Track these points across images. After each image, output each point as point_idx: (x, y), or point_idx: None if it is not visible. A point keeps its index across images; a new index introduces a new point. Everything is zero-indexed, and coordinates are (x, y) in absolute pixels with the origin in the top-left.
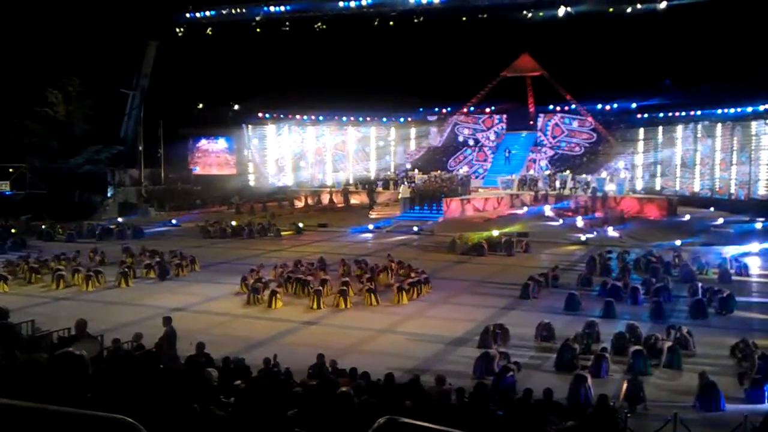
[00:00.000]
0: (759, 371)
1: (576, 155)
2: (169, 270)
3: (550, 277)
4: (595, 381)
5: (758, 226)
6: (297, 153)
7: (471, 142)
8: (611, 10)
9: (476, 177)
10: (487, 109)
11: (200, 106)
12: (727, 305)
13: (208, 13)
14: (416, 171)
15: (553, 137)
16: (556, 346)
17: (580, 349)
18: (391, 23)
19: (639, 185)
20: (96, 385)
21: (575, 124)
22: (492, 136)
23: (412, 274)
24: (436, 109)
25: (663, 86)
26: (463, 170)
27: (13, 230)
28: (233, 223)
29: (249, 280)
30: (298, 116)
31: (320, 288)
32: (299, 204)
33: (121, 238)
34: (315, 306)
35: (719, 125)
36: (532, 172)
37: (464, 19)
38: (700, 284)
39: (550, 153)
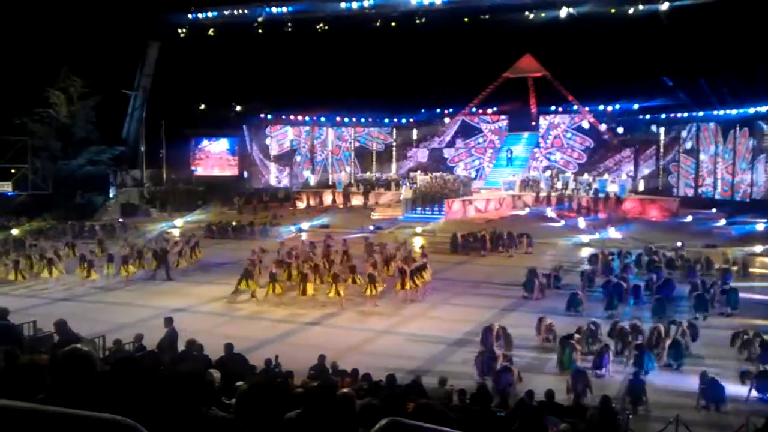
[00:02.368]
0: (761, 360)
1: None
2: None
3: (552, 277)
4: (595, 382)
5: (760, 227)
6: (299, 153)
7: (457, 143)
8: (613, 10)
9: (473, 170)
10: (489, 110)
11: (202, 106)
12: (730, 298)
13: (209, 14)
14: (418, 172)
15: (552, 146)
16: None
17: (583, 350)
18: (393, 24)
19: (641, 186)
20: (99, 386)
21: (577, 141)
22: (495, 131)
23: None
24: (438, 110)
25: (664, 84)
26: (461, 167)
27: (14, 231)
28: (234, 223)
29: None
30: (299, 117)
31: (307, 272)
32: (301, 205)
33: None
34: (300, 293)
35: (722, 126)
36: (533, 173)
37: (466, 20)
38: (700, 279)
39: (544, 162)
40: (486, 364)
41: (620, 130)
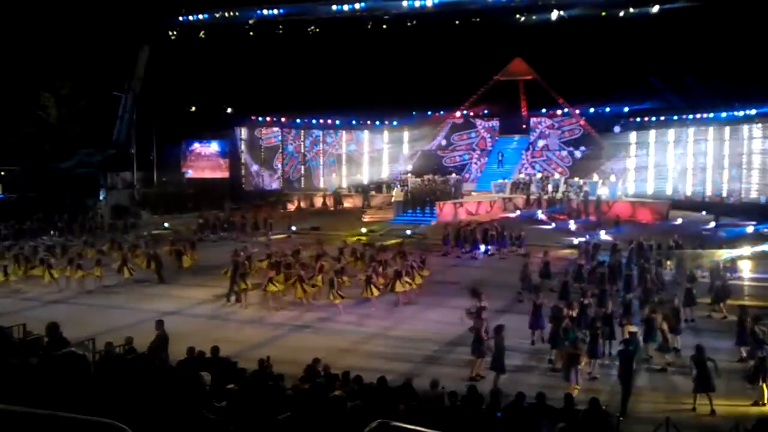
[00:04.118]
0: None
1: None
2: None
3: (543, 264)
4: (586, 385)
5: (749, 229)
6: (289, 156)
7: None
8: (604, 13)
9: (462, 167)
10: (480, 113)
11: (193, 109)
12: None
13: (201, 17)
14: (409, 174)
15: (542, 153)
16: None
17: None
18: (385, 27)
19: (631, 189)
20: (91, 389)
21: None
22: (489, 129)
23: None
24: (429, 113)
25: (651, 84)
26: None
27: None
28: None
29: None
30: (290, 119)
31: (302, 273)
32: (292, 207)
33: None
34: (299, 295)
35: (711, 129)
36: (523, 175)
37: (457, 22)
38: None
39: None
40: (477, 347)
41: (617, 128)
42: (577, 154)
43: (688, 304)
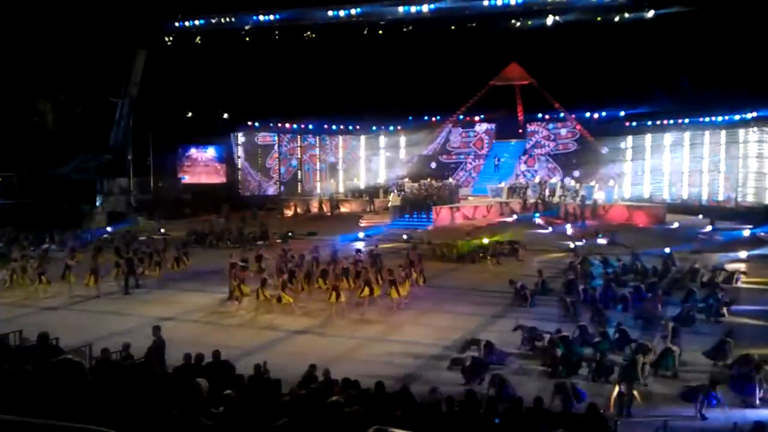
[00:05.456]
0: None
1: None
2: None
3: (540, 284)
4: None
5: (746, 233)
6: (286, 161)
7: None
8: (599, 18)
9: (457, 165)
10: (477, 118)
11: (189, 114)
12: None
13: (197, 22)
14: (406, 179)
15: (536, 161)
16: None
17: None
18: (381, 32)
19: (627, 193)
20: (87, 395)
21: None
22: (488, 131)
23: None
24: (426, 118)
25: (652, 91)
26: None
27: None
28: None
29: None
30: (287, 125)
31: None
32: (288, 212)
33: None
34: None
35: (707, 133)
36: (520, 180)
37: (453, 28)
38: (695, 288)
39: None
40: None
41: (604, 149)
42: (568, 180)
43: (685, 324)
